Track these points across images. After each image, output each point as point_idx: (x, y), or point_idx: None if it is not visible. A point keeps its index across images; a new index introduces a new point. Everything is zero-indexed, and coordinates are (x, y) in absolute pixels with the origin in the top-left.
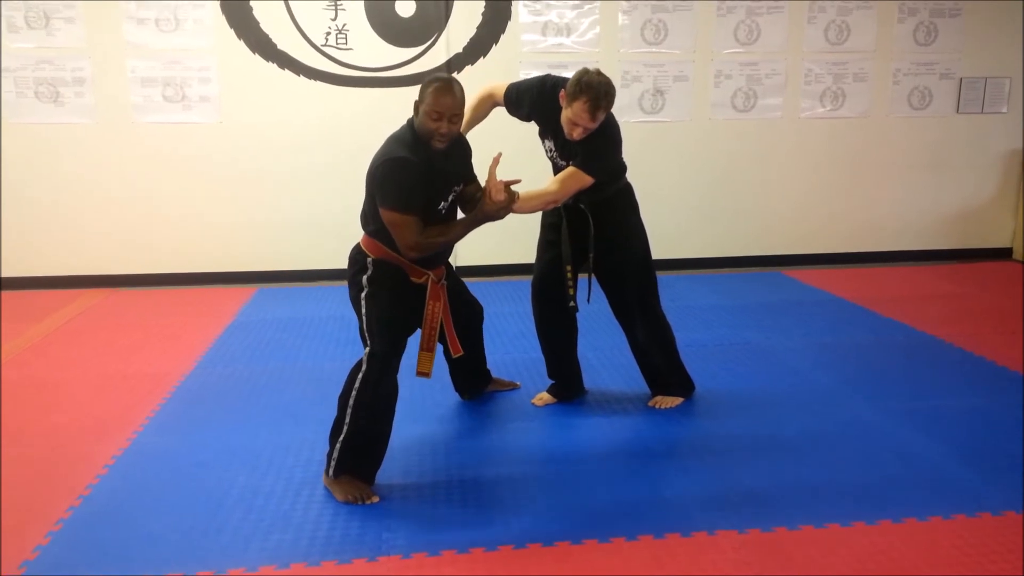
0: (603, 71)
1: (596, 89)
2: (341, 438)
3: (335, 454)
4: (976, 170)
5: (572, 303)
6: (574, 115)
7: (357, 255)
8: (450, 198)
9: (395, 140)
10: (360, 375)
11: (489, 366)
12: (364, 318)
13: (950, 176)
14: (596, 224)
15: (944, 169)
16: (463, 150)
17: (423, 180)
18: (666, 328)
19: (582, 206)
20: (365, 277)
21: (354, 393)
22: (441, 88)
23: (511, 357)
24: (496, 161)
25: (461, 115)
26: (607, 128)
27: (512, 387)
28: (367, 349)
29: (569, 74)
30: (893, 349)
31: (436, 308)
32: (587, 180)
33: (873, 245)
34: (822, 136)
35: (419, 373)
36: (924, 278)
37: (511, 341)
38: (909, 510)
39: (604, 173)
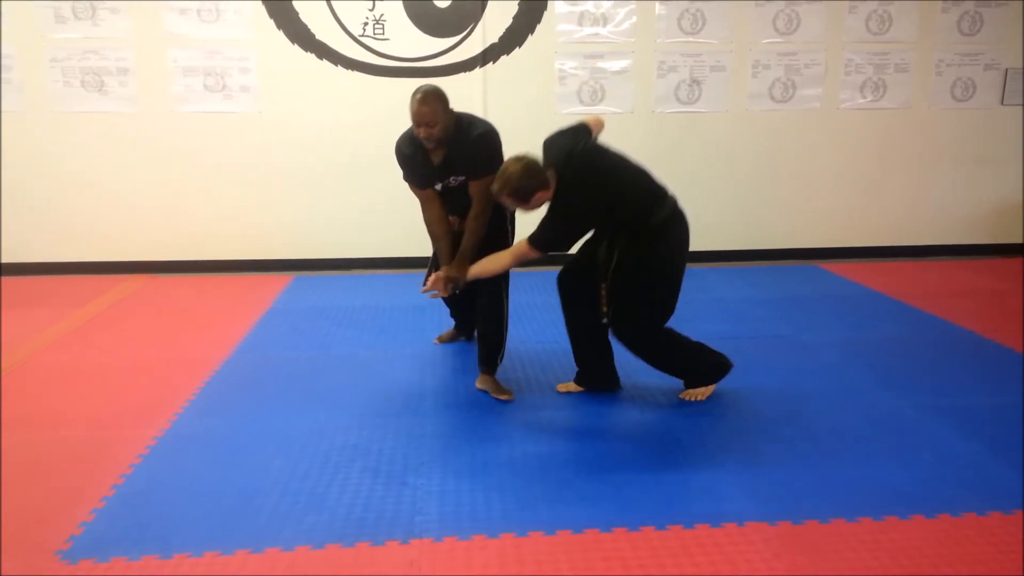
0: (637, 63)
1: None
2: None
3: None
4: (1019, 163)
5: (604, 320)
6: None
7: None
8: (448, 182)
9: (406, 131)
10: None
11: (518, 356)
12: None
13: (992, 169)
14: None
15: (986, 162)
16: (469, 150)
17: (411, 164)
18: (674, 346)
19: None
20: None
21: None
22: (418, 99)
23: (541, 347)
24: (439, 278)
25: (435, 123)
26: (560, 197)
27: (507, 397)
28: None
29: (605, 64)
30: (930, 344)
31: None
32: (530, 252)
33: (912, 239)
34: (862, 127)
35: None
36: (963, 273)
37: (540, 331)
38: (943, 506)
39: (550, 245)
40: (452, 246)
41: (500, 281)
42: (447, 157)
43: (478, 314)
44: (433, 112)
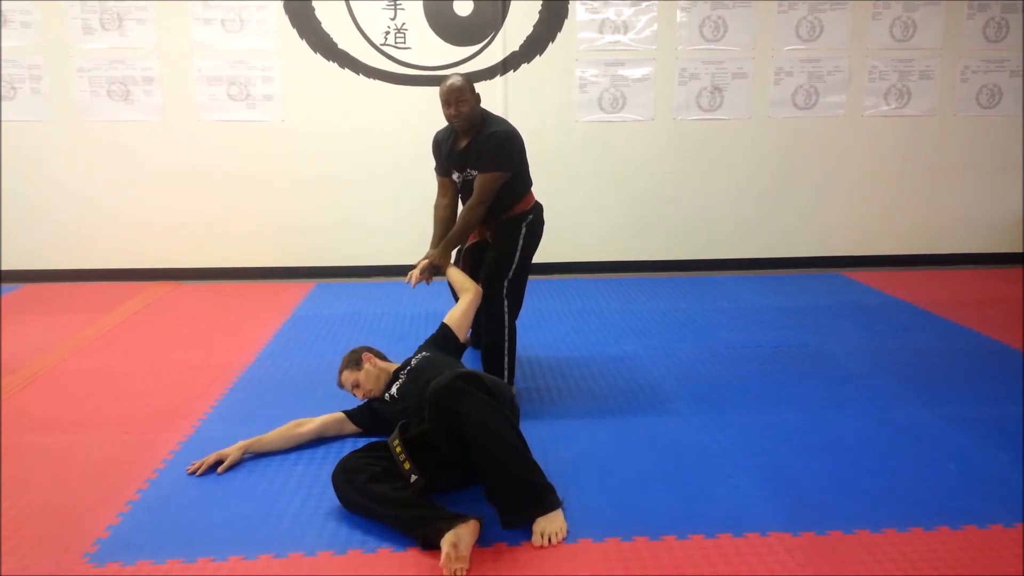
0: (658, 70)
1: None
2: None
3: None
4: None
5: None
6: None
7: None
8: (467, 174)
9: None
10: None
11: (538, 364)
12: None
13: (1019, 177)
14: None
15: (1013, 170)
16: (483, 144)
17: (439, 148)
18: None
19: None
20: None
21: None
22: (448, 80)
23: (561, 355)
24: (421, 267)
25: (463, 99)
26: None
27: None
28: None
29: (626, 71)
30: (956, 354)
31: None
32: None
33: (937, 247)
34: (886, 135)
35: None
36: (989, 282)
37: (562, 339)
38: (969, 517)
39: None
40: (444, 233)
41: (501, 289)
42: (468, 147)
43: (481, 321)
44: (462, 90)
